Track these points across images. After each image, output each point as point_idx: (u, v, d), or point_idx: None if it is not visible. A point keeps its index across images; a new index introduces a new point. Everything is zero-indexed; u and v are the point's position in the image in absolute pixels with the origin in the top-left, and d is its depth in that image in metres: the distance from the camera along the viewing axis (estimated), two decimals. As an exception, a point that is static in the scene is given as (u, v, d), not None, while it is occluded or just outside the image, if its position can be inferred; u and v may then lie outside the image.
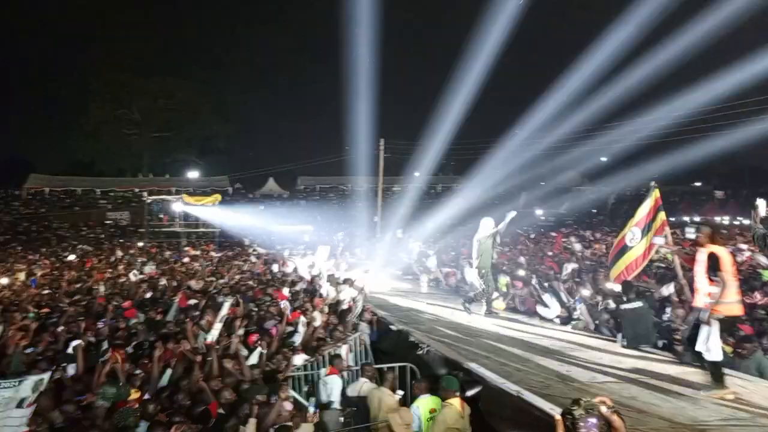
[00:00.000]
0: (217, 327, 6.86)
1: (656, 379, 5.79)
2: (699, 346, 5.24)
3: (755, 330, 7.55)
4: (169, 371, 6.31)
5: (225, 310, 7.06)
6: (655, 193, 7.97)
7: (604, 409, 1.70)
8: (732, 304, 5.23)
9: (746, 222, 34.96)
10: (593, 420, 1.68)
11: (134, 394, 5.29)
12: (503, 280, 11.39)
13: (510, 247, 20.54)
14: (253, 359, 7.01)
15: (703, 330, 5.22)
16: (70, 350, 6.54)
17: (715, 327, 5.15)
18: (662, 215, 7.86)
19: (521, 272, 12.92)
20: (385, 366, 7.25)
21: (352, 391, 6.87)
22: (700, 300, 5.38)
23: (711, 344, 5.15)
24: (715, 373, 5.27)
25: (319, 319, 8.89)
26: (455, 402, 5.51)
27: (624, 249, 8.00)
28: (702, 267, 5.38)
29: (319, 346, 7.85)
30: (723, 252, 5.32)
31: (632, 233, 7.90)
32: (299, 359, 7.29)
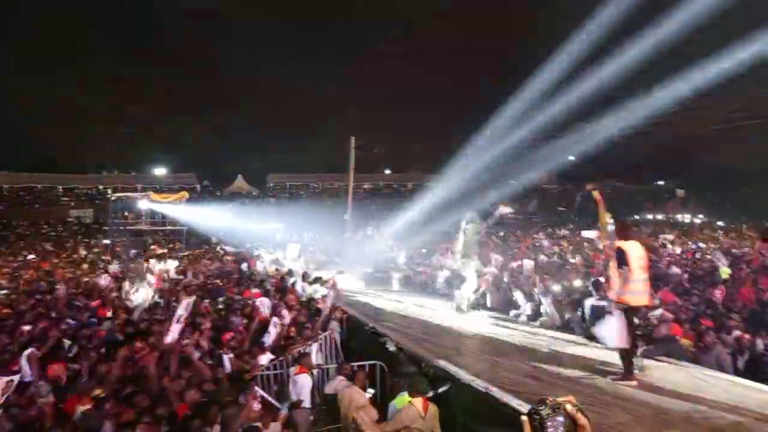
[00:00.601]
0: (175, 328, 6.63)
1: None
2: (601, 332, 5.88)
3: (716, 325, 7.79)
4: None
5: (181, 310, 6.81)
6: (595, 195, 8.10)
7: (569, 407, 1.71)
8: (636, 295, 5.59)
9: (706, 219, 36.02)
10: (560, 419, 1.68)
11: (98, 391, 5.20)
12: None
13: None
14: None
15: (609, 319, 5.72)
16: (23, 360, 6.24)
17: (619, 316, 5.60)
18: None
19: (489, 270, 13.05)
20: (355, 364, 7.23)
21: (329, 389, 6.83)
22: (610, 292, 5.85)
23: (616, 332, 5.65)
24: (625, 359, 5.61)
25: (288, 317, 8.82)
26: (417, 402, 5.48)
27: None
28: (614, 261, 5.81)
29: (288, 345, 7.78)
30: (629, 246, 5.62)
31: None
32: (265, 359, 7.20)
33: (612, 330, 6.17)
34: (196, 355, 6.66)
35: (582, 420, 1.72)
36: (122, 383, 5.79)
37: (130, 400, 5.18)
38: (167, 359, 6.10)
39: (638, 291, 5.57)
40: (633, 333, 5.64)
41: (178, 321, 6.57)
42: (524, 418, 1.76)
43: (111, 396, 5.31)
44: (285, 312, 9.06)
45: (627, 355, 5.61)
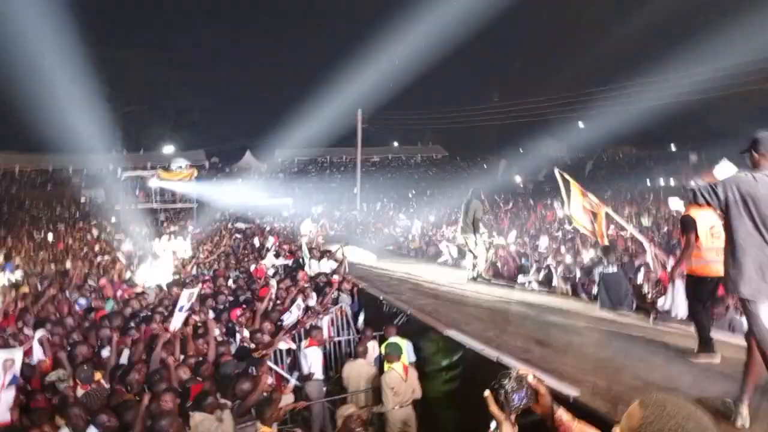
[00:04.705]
0: (178, 316, 6.61)
1: (630, 340, 5.89)
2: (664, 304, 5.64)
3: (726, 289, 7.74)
4: (126, 351, 6.25)
5: (184, 301, 6.76)
6: (572, 183, 7.89)
7: (531, 378, 1.75)
8: (706, 264, 5.19)
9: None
10: (524, 391, 1.73)
11: (97, 376, 5.29)
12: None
13: (492, 214, 20.70)
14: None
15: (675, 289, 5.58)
16: (35, 344, 6.27)
17: (680, 286, 5.45)
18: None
19: (504, 239, 13.05)
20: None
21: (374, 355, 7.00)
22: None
23: (676, 302, 5.59)
24: (699, 333, 5.26)
25: (313, 298, 8.91)
26: (397, 367, 5.99)
27: (594, 215, 8.07)
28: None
29: (299, 320, 7.87)
30: (698, 214, 5.24)
31: (588, 201, 7.94)
32: (284, 345, 7.26)
33: (677, 300, 6.11)
34: (216, 332, 6.71)
35: (543, 389, 1.77)
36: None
37: (123, 378, 5.26)
38: (172, 343, 6.13)
39: (708, 260, 5.18)
40: (695, 304, 5.26)
41: (180, 310, 6.54)
42: (487, 393, 1.79)
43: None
44: (313, 294, 9.14)
45: (697, 328, 5.23)
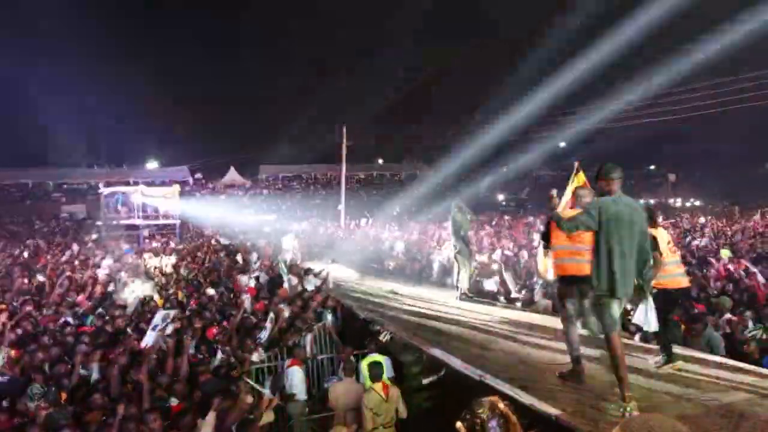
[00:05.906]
0: (150, 335, 6.49)
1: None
2: (637, 319, 5.94)
3: (707, 307, 7.85)
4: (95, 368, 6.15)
5: (158, 320, 6.64)
6: (580, 177, 7.70)
7: (502, 405, 1.76)
8: (672, 278, 5.62)
9: (697, 203, 36.17)
10: (496, 419, 1.75)
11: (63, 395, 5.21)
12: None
13: (473, 230, 20.74)
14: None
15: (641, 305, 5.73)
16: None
17: (650, 300, 5.54)
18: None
19: (484, 257, 13.10)
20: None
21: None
22: None
23: (649, 317, 5.67)
24: (662, 344, 5.65)
25: (287, 311, 8.82)
26: (377, 387, 5.90)
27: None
28: None
29: (282, 337, 7.80)
30: (658, 233, 5.58)
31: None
32: (256, 356, 7.18)
33: (649, 315, 6.04)
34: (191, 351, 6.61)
35: (513, 417, 1.78)
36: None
37: (87, 401, 5.15)
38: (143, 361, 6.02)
39: (674, 274, 5.63)
40: (666, 315, 5.61)
41: (153, 329, 6.44)
42: (459, 424, 1.79)
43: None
44: (284, 306, 9.07)
45: (665, 339, 5.61)
